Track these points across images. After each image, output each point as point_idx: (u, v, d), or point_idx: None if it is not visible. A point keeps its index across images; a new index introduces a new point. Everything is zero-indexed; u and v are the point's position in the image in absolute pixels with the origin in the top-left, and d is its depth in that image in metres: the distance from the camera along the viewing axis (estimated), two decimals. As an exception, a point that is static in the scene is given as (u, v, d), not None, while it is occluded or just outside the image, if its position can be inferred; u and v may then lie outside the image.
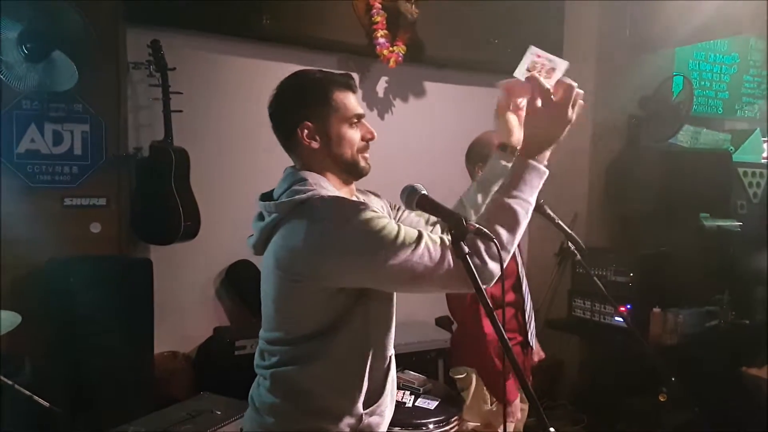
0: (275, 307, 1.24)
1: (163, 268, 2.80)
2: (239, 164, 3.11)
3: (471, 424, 2.29)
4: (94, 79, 2.61)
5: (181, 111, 2.80)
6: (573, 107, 1.14)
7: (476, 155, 2.14)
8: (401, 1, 3.17)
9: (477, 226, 1.10)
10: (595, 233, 3.65)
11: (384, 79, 3.53)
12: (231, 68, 3.07)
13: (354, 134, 1.25)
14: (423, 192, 1.17)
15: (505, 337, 1.03)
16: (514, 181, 1.16)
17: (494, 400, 2.19)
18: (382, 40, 3.21)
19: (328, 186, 1.23)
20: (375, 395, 1.27)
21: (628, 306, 3.30)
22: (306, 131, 1.23)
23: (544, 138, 1.16)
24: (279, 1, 3.06)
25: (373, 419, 1.27)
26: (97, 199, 2.70)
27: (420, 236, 1.12)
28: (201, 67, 3.02)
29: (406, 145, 3.55)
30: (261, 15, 3.01)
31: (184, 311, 3.09)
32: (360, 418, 1.24)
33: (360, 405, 1.24)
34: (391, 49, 3.24)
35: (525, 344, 2.23)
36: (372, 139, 1.29)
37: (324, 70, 1.31)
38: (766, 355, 3.11)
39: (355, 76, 3.44)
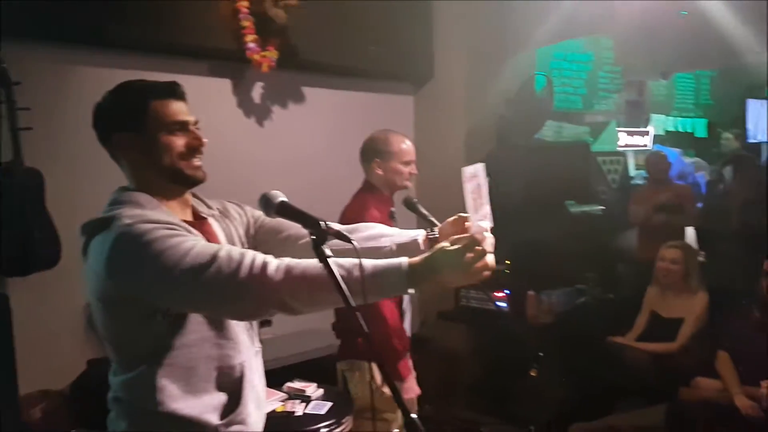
0: (103, 336, 1.23)
1: (23, 302, 2.54)
2: (101, 183, 2.90)
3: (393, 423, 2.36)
4: None
5: (30, 128, 2.57)
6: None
7: (371, 151, 2.34)
8: (269, 5, 3.11)
9: (337, 228, 1.11)
10: (475, 227, 3.84)
11: (260, 84, 3.46)
12: (86, 79, 2.85)
13: (174, 141, 1.24)
14: (281, 199, 1.16)
15: (368, 332, 1.00)
16: (376, 272, 1.06)
17: (383, 384, 2.24)
18: (252, 45, 3.14)
19: (143, 203, 1.21)
20: (231, 404, 1.26)
21: (507, 291, 3.53)
22: (123, 141, 1.25)
23: (440, 272, 1.06)
24: (138, 8, 2.88)
25: (233, 428, 1.26)
26: (-67, 232, 2.41)
27: (215, 254, 1.09)
28: (51, 79, 2.77)
29: (287, 151, 3.51)
30: (117, 22, 2.83)
31: (53, 345, 2.84)
32: (215, 430, 1.23)
33: (212, 416, 1.23)
34: (262, 54, 3.18)
35: None
36: (198, 145, 1.27)
37: (146, 80, 1.30)
38: (629, 324, 3.45)
39: (229, 82, 3.38)
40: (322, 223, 1.10)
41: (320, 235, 1.09)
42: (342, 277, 1.04)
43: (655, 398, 2.83)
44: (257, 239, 1.43)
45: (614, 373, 3.18)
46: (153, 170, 1.25)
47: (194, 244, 1.12)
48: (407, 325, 2.43)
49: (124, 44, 2.93)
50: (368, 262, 1.08)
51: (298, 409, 2.40)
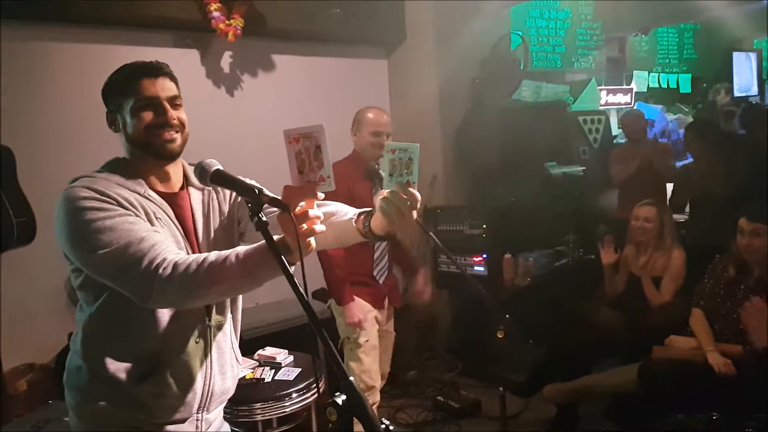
0: None
1: (4, 278, 2.60)
2: (77, 158, 2.91)
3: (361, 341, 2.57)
4: None
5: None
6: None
7: (353, 122, 2.53)
8: (231, -27, 3.05)
9: (272, 195, 1.11)
10: (453, 192, 3.83)
11: (228, 54, 3.42)
12: (54, 56, 2.83)
13: (142, 116, 1.30)
14: (216, 167, 1.17)
15: (296, 283, 1.03)
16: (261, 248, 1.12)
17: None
18: (216, 14, 3.09)
19: (112, 171, 1.32)
20: (146, 372, 1.31)
21: (484, 255, 3.53)
22: (109, 118, 1.36)
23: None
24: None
25: (147, 396, 1.32)
26: None
27: (130, 240, 1.17)
28: (19, 58, 2.75)
29: (259, 120, 3.48)
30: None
31: (36, 320, 2.90)
32: (128, 388, 1.29)
33: (126, 379, 1.29)
34: (227, 22, 3.13)
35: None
36: (166, 119, 1.31)
37: (136, 62, 1.35)
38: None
39: (196, 53, 3.34)
40: (256, 190, 1.10)
41: (257, 202, 1.09)
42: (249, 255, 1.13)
43: (630, 358, 2.80)
44: (238, 215, 1.46)
45: (590, 333, 3.16)
46: (130, 144, 1.34)
47: (116, 222, 1.20)
48: (380, 270, 2.62)
49: (89, 19, 2.90)
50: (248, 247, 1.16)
51: (267, 375, 2.44)
